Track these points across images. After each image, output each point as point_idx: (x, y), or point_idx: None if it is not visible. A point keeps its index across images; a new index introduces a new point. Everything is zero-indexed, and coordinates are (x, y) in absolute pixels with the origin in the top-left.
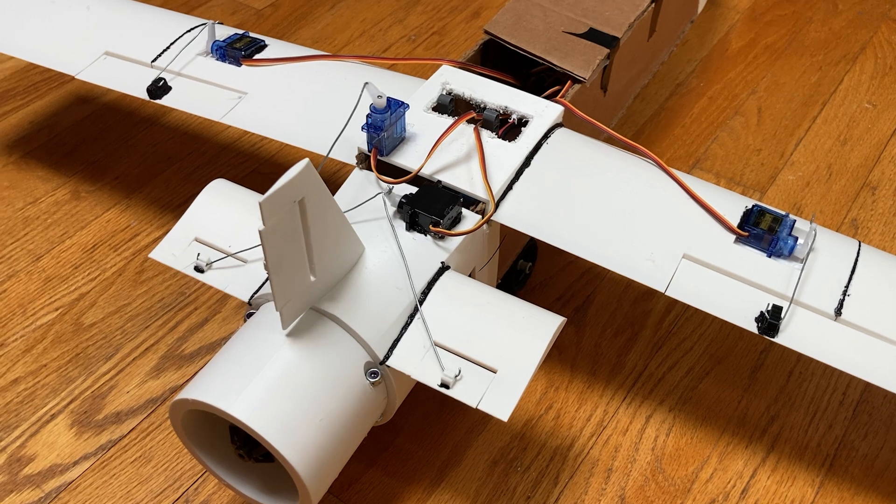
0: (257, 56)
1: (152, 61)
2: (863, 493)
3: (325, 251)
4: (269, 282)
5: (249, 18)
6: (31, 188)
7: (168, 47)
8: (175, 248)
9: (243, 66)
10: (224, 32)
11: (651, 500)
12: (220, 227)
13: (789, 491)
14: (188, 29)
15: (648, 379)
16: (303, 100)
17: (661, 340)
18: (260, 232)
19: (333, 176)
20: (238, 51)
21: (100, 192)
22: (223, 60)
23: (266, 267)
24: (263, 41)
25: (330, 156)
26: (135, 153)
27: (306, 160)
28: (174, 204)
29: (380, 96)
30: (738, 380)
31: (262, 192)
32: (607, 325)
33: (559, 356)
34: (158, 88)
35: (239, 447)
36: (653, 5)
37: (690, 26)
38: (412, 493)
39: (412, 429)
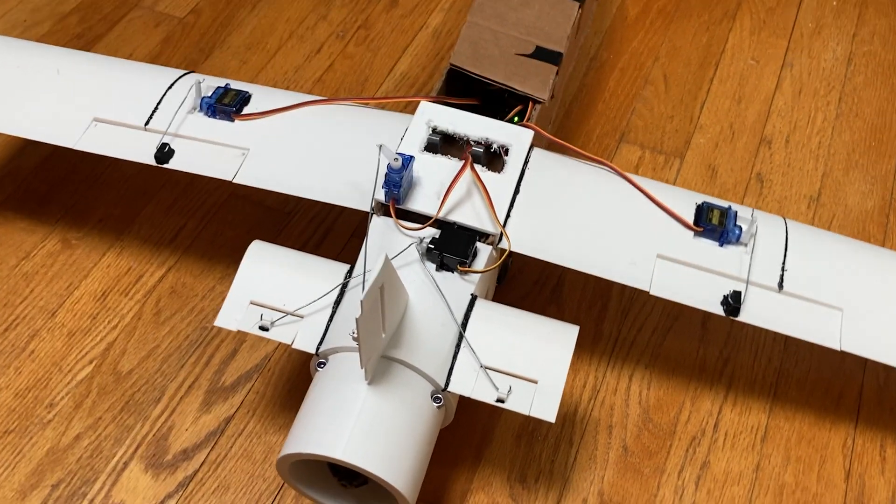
0: (247, 110)
1: (145, 124)
2: (802, 410)
3: (391, 313)
4: (359, 349)
5: (175, 29)
6: (18, 242)
7: (156, 108)
8: (235, 313)
9: (236, 122)
10: (206, 84)
11: (647, 445)
12: (270, 288)
13: (748, 420)
14: (169, 85)
15: (623, 343)
16: (303, 149)
17: (626, 307)
18: (357, 319)
19: None
20: (228, 107)
21: (88, 237)
22: (214, 117)
23: (357, 340)
24: (247, 92)
25: (346, 205)
26: (109, 192)
27: (385, 256)
28: (166, 240)
29: (396, 158)
30: (693, 331)
31: (258, 223)
32: (581, 299)
33: None
34: (164, 154)
35: (341, 478)
36: (580, 9)
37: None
38: (460, 473)
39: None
